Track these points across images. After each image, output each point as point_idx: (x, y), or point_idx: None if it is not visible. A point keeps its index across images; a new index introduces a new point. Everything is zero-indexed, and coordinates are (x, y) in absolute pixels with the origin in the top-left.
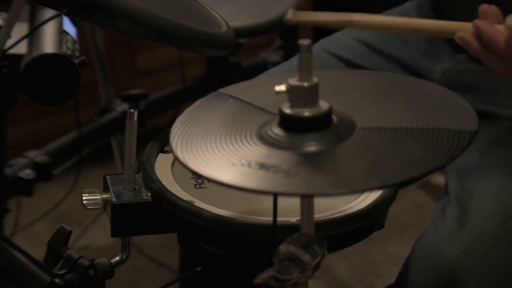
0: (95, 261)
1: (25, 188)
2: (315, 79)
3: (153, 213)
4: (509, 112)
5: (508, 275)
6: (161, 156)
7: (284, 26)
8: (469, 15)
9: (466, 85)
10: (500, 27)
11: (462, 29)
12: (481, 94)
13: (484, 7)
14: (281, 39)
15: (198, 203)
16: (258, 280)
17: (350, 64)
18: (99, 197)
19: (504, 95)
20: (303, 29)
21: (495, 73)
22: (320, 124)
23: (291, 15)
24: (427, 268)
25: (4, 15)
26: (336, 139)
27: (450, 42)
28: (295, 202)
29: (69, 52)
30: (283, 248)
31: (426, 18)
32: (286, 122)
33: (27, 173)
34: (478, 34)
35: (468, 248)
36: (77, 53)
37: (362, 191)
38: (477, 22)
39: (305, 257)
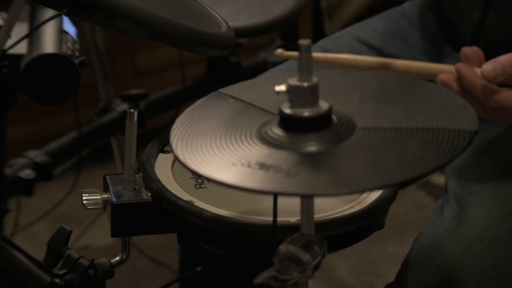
0: (95, 261)
1: (25, 188)
2: (315, 79)
3: (153, 213)
4: None
5: (507, 274)
6: (161, 156)
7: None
8: (468, 14)
9: None
10: (479, 71)
11: (445, 72)
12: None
13: (465, 49)
14: (281, 39)
15: (198, 203)
16: (258, 280)
17: None
18: (99, 197)
19: None
20: (303, 29)
21: None
22: (320, 124)
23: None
24: (426, 266)
25: (4, 15)
26: (336, 139)
27: (450, 42)
28: (295, 202)
29: (69, 52)
30: (283, 248)
31: (426, 19)
32: (286, 122)
33: (27, 173)
34: (459, 78)
35: (467, 246)
36: (77, 53)
37: (362, 191)
38: (459, 65)
39: (305, 257)
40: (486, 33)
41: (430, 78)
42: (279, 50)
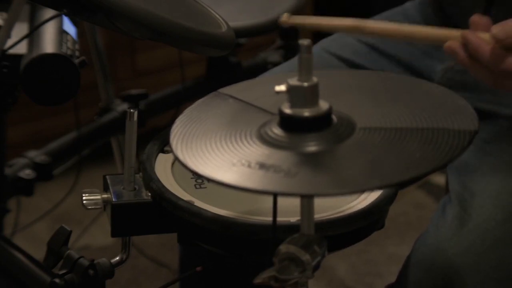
0: (95, 261)
1: (25, 188)
2: (315, 79)
3: (153, 213)
4: (510, 111)
5: (509, 274)
6: (161, 156)
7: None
8: (471, 13)
9: (467, 84)
10: (487, 36)
11: (451, 37)
12: (482, 93)
13: (475, 18)
14: (281, 39)
15: (198, 203)
16: (258, 280)
17: (351, 64)
18: (99, 197)
19: (505, 94)
20: (303, 29)
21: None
22: (320, 124)
23: (285, 17)
24: (428, 266)
25: (4, 15)
26: (336, 139)
27: None
28: (295, 202)
29: (69, 52)
30: (283, 248)
31: (428, 18)
32: (286, 122)
33: (27, 173)
34: (465, 44)
35: (469, 247)
36: (77, 53)
37: (362, 191)
38: (465, 32)
39: (305, 257)
40: None
41: (437, 44)
42: (285, 15)
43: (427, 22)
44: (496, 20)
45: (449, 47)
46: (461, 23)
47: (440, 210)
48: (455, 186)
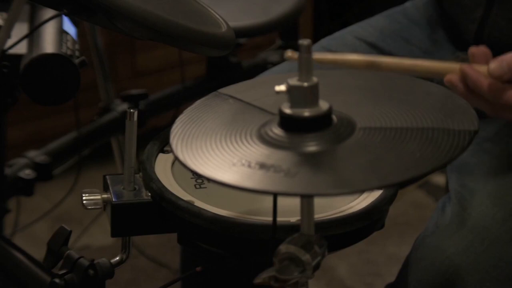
0: (95, 261)
1: (25, 188)
2: (315, 79)
3: (153, 213)
4: None
5: (509, 273)
6: (161, 156)
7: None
8: (471, 12)
9: None
10: (485, 69)
11: (451, 71)
12: None
13: (472, 49)
14: (281, 39)
15: (198, 203)
16: (258, 280)
17: None
18: (99, 197)
19: None
20: (303, 29)
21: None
22: (320, 124)
23: (290, 53)
24: (427, 265)
25: (4, 15)
26: (336, 139)
27: (451, 40)
28: (295, 202)
29: (69, 52)
30: (283, 248)
31: (428, 18)
32: (286, 122)
33: (27, 173)
34: (464, 78)
35: (468, 245)
36: (77, 53)
37: (362, 191)
38: (463, 66)
39: (305, 257)
40: (488, 31)
41: (437, 77)
42: (289, 53)
43: (427, 21)
44: (496, 18)
45: (449, 81)
46: (462, 22)
47: (439, 209)
48: (454, 185)
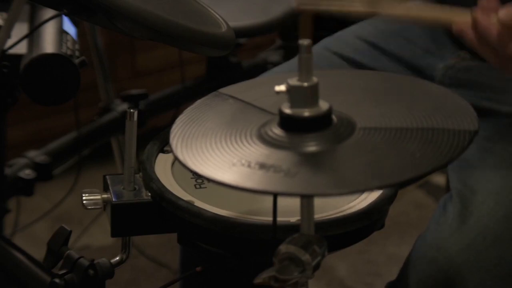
0: (95, 261)
1: (25, 188)
2: (315, 79)
3: (153, 213)
4: (510, 108)
5: (510, 272)
6: (161, 156)
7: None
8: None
9: (468, 82)
10: (496, 19)
11: (460, 18)
12: (483, 91)
13: (483, 2)
14: (281, 39)
15: (198, 203)
16: (258, 280)
17: (352, 63)
18: (99, 197)
19: (506, 92)
20: (303, 29)
21: (497, 69)
22: (320, 124)
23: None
24: (429, 264)
25: (4, 15)
26: (336, 139)
27: (453, 39)
28: (295, 202)
29: (69, 52)
30: (283, 248)
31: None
32: (286, 122)
33: (27, 173)
34: (475, 25)
35: (470, 244)
36: (77, 53)
37: (362, 191)
38: (475, 13)
39: (305, 257)
40: None
41: (445, 25)
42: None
43: None
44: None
45: (458, 28)
46: None
47: (441, 207)
48: (455, 183)
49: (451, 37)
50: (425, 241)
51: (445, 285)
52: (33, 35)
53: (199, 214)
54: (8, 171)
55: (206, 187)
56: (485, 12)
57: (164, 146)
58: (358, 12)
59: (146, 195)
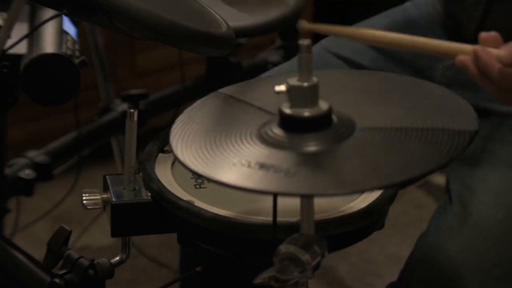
0: (95, 261)
1: (25, 188)
2: (315, 79)
3: (153, 213)
4: (509, 109)
5: (511, 272)
6: (161, 156)
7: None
8: (472, 10)
9: (467, 82)
10: (497, 53)
11: (463, 51)
12: (482, 91)
13: (483, 35)
14: (281, 39)
15: (198, 203)
16: (258, 280)
17: (351, 63)
18: (99, 197)
19: None
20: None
21: None
22: (320, 124)
23: (303, 24)
24: (429, 265)
25: (4, 15)
26: (336, 139)
27: (452, 40)
28: (295, 202)
29: (69, 52)
30: (283, 248)
31: (428, 17)
32: (286, 122)
33: (27, 173)
34: (476, 60)
35: (469, 245)
36: (77, 53)
37: (362, 191)
38: (476, 47)
39: (305, 257)
40: (489, 29)
41: (449, 56)
42: (304, 22)
43: (427, 21)
44: (496, 16)
45: (460, 61)
46: (462, 21)
47: (441, 208)
48: (455, 184)
49: (450, 37)
50: (425, 242)
51: (445, 286)
52: (33, 35)
53: (199, 214)
54: (8, 171)
55: (206, 187)
56: (487, 44)
57: (164, 146)
58: (360, 37)
59: (146, 195)
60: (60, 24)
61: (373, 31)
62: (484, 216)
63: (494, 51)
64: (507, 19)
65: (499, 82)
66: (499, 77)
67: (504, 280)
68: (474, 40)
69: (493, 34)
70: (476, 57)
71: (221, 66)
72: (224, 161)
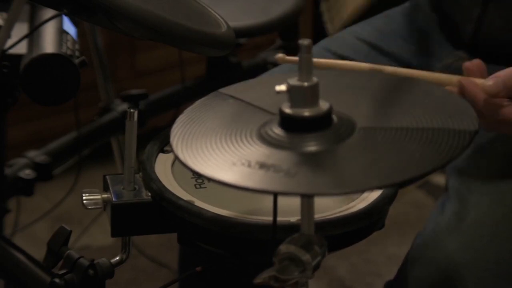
0: (95, 261)
1: (25, 188)
2: (315, 79)
3: (153, 213)
4: None
5: (509, 269)
6: (161, 156)
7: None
8: (469, 11)
9: None
10: (483, 83)
11: (450, 83)
12: None
13: (467, 64)
14: (281, 39)
15: (198, 203)
16: (258, 280)
17: None
18: (99, 197)
19: None
20: (303, 29)
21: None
22: (320, 124)
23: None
24: (427, 263)
25: (4, 15)
26: (336, 139)
27: (450, 40)
28: (295, 202)
29: (69, 52)
30: (283, 248)
31: (426, 17)
32: (286, 122)
33: (27, 173)
34: (462, 91)
35: (467, 242)
36: (77, 53)
37: (362, 191)
38: (462, 79)
39: (305, 257)
40: (485, 30)
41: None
42: (281, 55)
43: (426, 21)
44: (493, 17)
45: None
46: (459, 22)
47: (439, 206)
48: (453, 182)
49: (448, 37)
50: (423, 239)
51: (443, 283)
52: (33, 35)
53: (199, 214)
54: (8, 171)
55: (206, 187)
56: (471, 73)
57: (164, 146)
58: (361, 69)
59: (146, 195)
60: (60, 24)
61: (361, 64)
62: (482, 214)
63: (479, 81)
64: (504, 20)
65: (486, 113)
66: (485, 107)
67: (502, 277)
68: (471, 41)
69: (476, 61)
70: (461, 88)
71: (221, 66)
72: (224, 161)
